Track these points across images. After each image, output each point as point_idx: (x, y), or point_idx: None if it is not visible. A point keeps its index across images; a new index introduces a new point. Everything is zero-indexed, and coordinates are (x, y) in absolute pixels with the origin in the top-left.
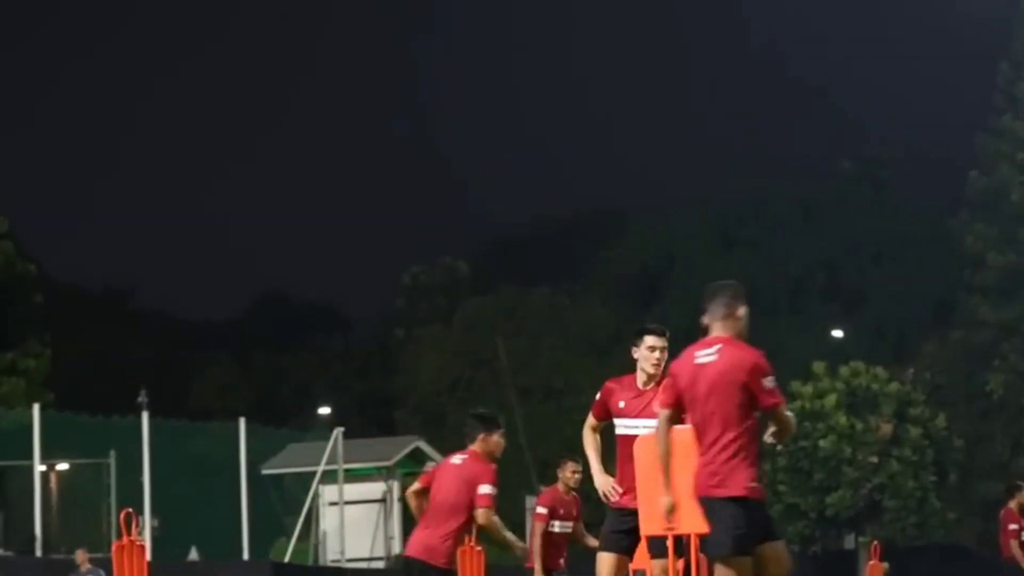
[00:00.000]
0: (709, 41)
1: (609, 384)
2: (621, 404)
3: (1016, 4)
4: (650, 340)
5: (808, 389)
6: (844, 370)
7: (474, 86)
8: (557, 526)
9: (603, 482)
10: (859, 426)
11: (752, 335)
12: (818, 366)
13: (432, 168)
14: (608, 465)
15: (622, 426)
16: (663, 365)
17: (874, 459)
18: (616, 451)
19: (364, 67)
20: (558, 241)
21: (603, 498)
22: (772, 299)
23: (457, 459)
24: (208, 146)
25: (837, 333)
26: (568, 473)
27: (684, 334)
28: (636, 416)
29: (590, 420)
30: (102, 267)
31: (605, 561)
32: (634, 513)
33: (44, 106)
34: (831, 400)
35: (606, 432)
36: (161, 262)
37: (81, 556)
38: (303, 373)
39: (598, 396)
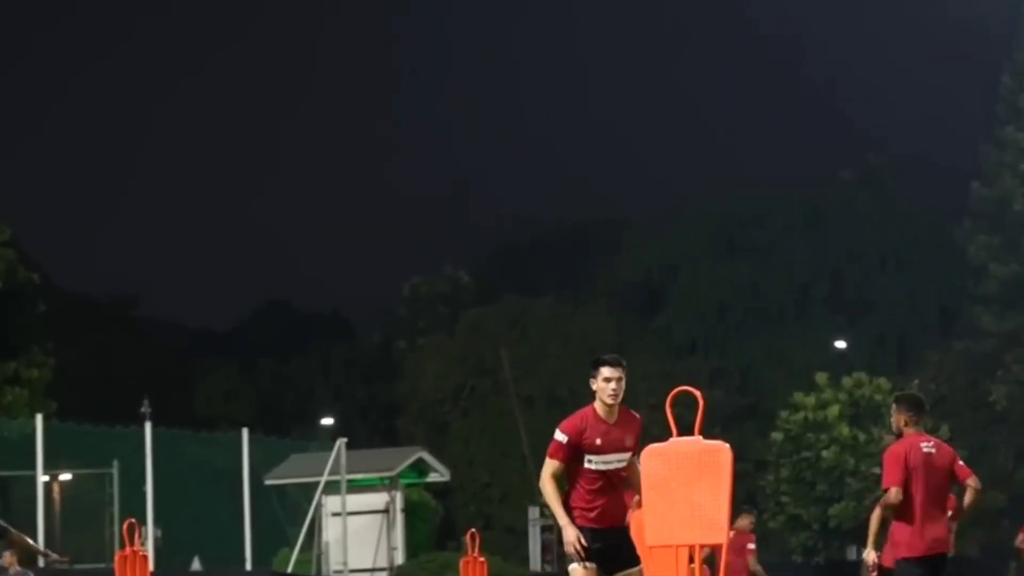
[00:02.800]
0: (714, 49)
1: (574, 423)
2: (598, 441)
3: (1019, 16)
4: (606, 371)
5: (811, 400)
6: (847, 381)
7: (477, 95)
8: None
9: (574, 536)
10: (862, 437)
11: (756, 345)
12: (821, 377)
13: (435, 177)
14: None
15: (595, 462)
16: (619, 396)
17: (877, 470)
18: (576, 484)
19: (367, 76)
20: (561, 250)
21: (571, 552)
22: (776, 308)
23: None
24: (212, 155)
25: (840, 344)
26: None
27: (689, 343)
28: (611, 452)
29: (553, 466)
30: (105, 275)
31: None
32: (598, 532)
33: (48, 115)
34: (834, 411)
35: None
36: (165, 270)
37: (8, 559)
38: (306, 381)
39: (563, 439)
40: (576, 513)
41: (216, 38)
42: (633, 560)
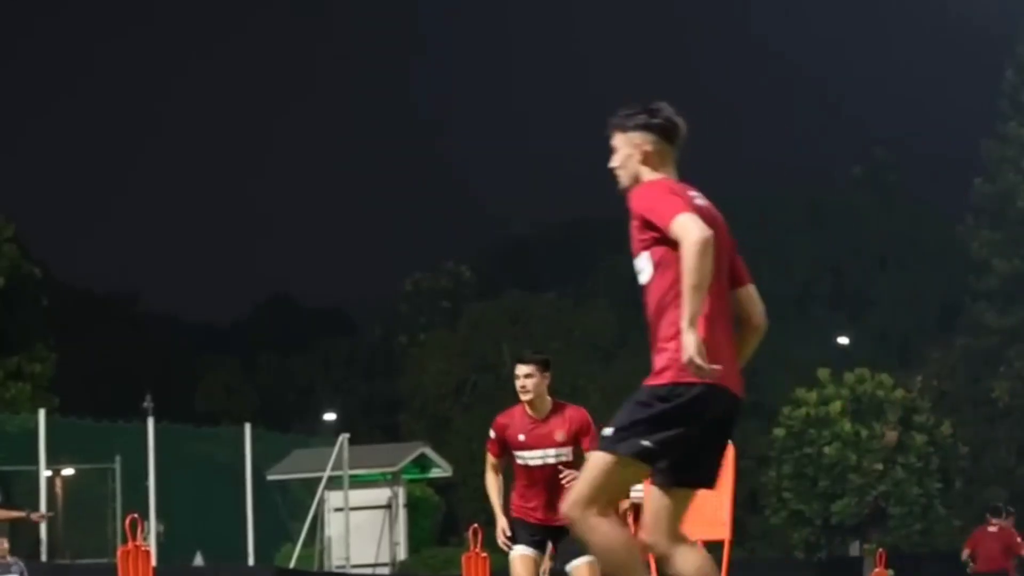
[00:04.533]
0: (715, 47)
1: (500, 420)
2: (520, 437)
3: (1021, 12)
4: (516, 369)
5: (813, 396)
6: (849, 377)
7: (477, 91)
8: None
9: (500, 527)
10: (864, 433)
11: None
12: (823, 373)
13: (437, 172)
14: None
15: (524, 457)
16: (531, 392)
17: (879, 466)
18: (516, 478)
19: (367, 74)
20: (563, 246)
21: (501, 541)
22: (778, 305)
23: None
24: (214, 150)
25: (843, 340)
26: None
27: None
28: (538, 447)
29: (488, 461)
30: (108, 270)
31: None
32: (538, 527)
33: (50, 109)
34: (836, 407)
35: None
36: (167, 265)
37: (1, 548)
38: (308, 377)
39: (491, 434)
40: (515, 507)
41: (215, 32)
42: (580, 552)
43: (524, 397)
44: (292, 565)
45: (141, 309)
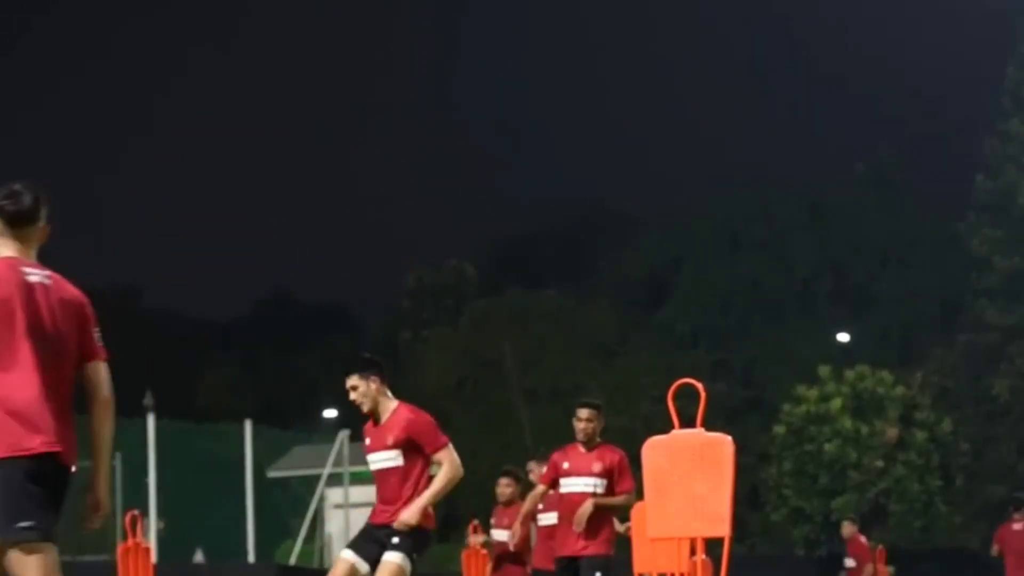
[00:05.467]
0: (717, 43)
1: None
2: (367, 441)
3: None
4: (347, 381)
5: (814, 393)
6: (850, 374)
7: (480, 89)
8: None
9: None
10: (865, 430)
11: (758, 338)
12: (824, 370)
13: (440, 170)
14: None
15: (369, 461)
16: (363, 403)
17: (880, 463)
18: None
19: (369, 70)
20: (565, 243)
21: None
22: (779, 302)
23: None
24: (214, 147)
25: (843, 337)
26: (501, 488)
27: (691, 336)
28: (375, 451)
29: None
30: (108, 267)
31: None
32: (372, 527)
33: (49, 104)
34: (837, 404)
35: None
36: (168, 262)
37: None
38: (309, 373)
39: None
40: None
41: (215, 29)
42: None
43: (362, 410)
44: (292, 562)
45: (142, 305)
